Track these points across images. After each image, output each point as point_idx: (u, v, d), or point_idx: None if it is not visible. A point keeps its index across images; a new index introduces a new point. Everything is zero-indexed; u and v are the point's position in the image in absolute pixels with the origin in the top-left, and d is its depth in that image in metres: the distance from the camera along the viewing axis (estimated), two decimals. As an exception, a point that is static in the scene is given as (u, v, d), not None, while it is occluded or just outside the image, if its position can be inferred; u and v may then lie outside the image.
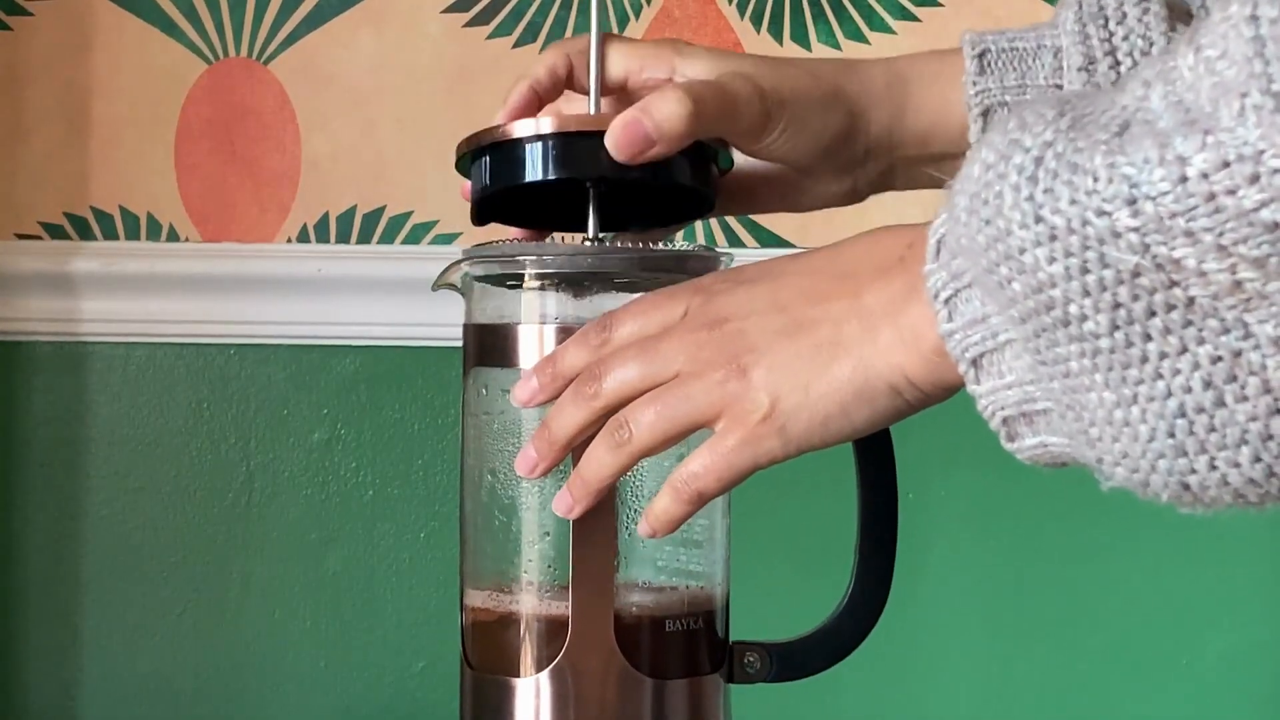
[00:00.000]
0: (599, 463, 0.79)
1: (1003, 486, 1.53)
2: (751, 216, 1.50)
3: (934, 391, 0.72)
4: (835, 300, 0.74)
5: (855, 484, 0.91)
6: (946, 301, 0.67)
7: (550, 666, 0.87)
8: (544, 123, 0.86)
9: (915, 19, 1.53)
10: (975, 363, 0.68)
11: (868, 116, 0.90)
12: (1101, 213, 0.59)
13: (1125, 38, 0.84)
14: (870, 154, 0.91)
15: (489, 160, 0.89)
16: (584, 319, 0.87)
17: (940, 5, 1.54)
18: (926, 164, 0.91)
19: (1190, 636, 1.52)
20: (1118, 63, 0.84)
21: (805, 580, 1.47)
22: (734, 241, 1.53)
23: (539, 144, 0.86)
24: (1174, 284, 0.58)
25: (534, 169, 0.87)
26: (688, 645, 0.89)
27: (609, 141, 0.83)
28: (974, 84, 0.88)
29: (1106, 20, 0.85)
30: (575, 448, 0.82)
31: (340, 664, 1.56)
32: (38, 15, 1.55)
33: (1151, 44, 0.83)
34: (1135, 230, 0.58)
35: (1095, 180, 0.59)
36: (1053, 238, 0.60)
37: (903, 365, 0.72)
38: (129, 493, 1.57)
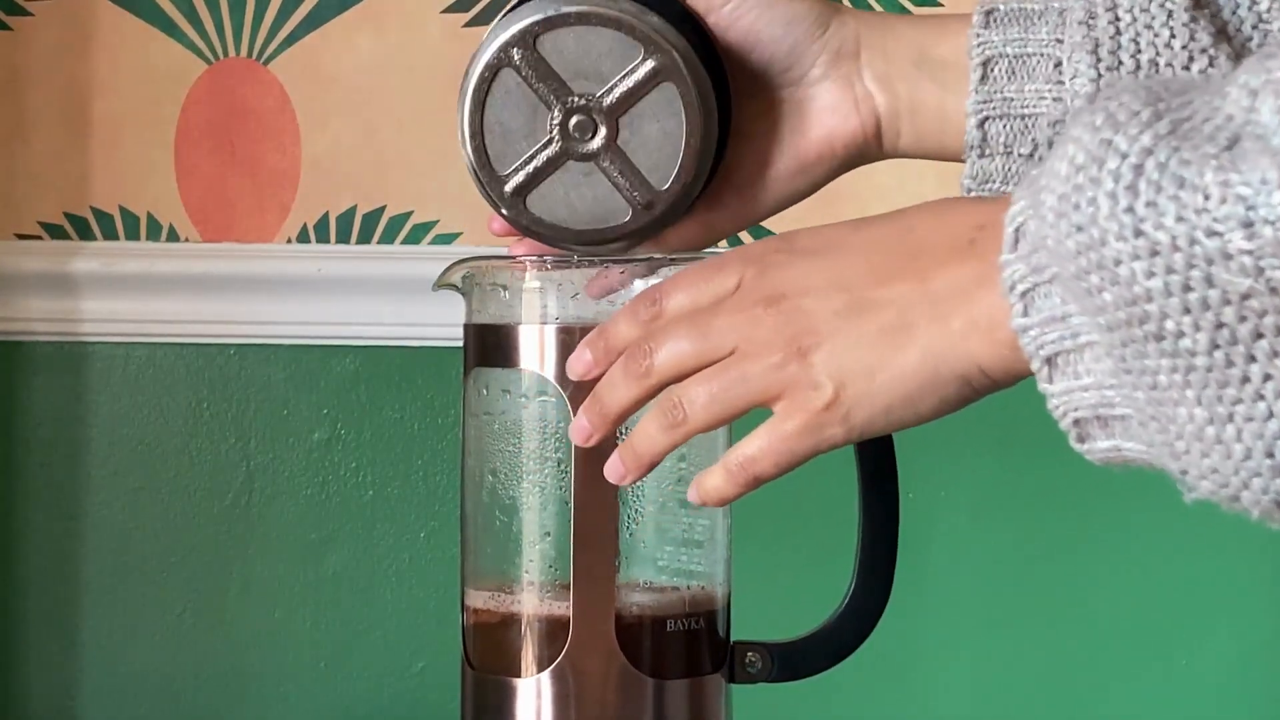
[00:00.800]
0: (651, 440, 0.77)
1: (1004, 487, 1.53)
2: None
3: (1005, 380, 0.70)
4: (901, 282, 0.72)
5: (856, 483, 0.91)
6: (1023, 295, 0.65)
7: (551, 666, 0.87)
8: None
9: (915, 19, 1.54)
10: (1050, 360, 0.66)
11: (845, 13, 0.89)
12: (1212, 233, 0.57)
13: None
14: (861, 44, 0.89)
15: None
16: (585, 319, 0.87)
17: (940, 5, 1.54)
18: (929, 83, 0.89)
19: (1191, 636, 1.52)
20: (1118, 19, 0.83)
21: (806, 580, 1.47)
22: (733, 240, 1.53)
23: None
24: None
25: None
26: (689, 645, 0.89)
27: None
28: (977, 35, 0.87)
29: None
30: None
31: (340, 664, 1.56)
32: (38, 15, 1.55)
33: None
34: (1249, 253, 0.56)
35: (1206, 198, 0.57)
36: (1154, 253, 0.58)
37: (976, 355, 0.70)
38: (129, 493, 1.57)
